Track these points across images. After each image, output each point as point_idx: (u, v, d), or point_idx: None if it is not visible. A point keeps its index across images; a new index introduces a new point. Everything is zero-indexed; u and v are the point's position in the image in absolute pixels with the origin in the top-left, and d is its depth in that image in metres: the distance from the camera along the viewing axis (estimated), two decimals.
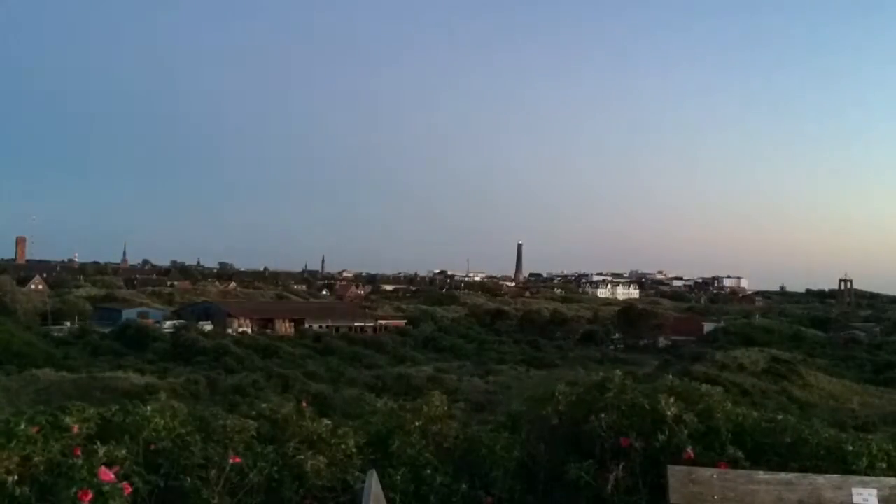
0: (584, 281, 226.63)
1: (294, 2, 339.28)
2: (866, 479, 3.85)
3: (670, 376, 5.17)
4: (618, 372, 4.96)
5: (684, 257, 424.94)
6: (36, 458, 3.44)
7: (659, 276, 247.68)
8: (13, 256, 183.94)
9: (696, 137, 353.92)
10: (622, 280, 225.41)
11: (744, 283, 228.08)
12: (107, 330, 69.99)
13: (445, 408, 5.16)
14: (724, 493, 3.68)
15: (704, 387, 4.93)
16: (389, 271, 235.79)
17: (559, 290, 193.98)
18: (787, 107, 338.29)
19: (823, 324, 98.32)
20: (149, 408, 4.28)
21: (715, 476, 3.75)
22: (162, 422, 4.15)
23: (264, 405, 4.99)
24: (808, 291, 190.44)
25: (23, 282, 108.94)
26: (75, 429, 3.80)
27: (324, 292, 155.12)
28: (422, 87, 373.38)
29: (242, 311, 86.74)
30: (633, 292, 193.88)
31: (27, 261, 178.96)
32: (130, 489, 3.36)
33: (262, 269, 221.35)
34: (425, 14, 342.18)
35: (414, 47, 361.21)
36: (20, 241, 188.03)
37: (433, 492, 4.43)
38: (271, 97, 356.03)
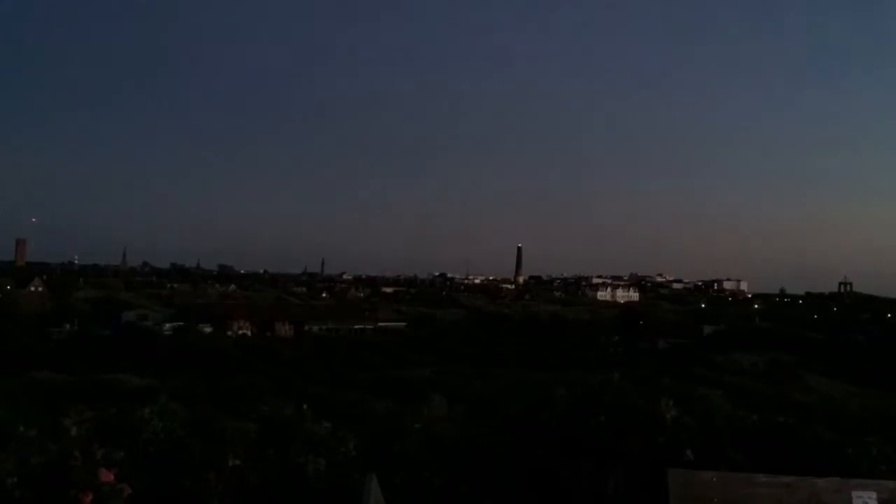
0: (583, 283, 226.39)
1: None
2: (866, 481, 3.84)
3: (669, 379, 5.18)
4: (616, 374, 4.97)
5: (684, 260, 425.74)
6: (34, 460, 3.43)
7: (659, 279, 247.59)
8: (13, 259, 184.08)
9: (696, 138, 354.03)
10: (622, 282, 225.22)
11: (743, 286, 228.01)
12: (106, 332, 69.87)
13: (445, 410, 5.16)
14: (725, 495, 3.67)
15: (704, 389, 4.93)
16: (389, 274, 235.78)
17: (559, 293, 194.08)
18: (786, 107, 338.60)
19: (823, 326, 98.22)
20: (147, 410, 4.28)
21: (715, 478, 3.75)
22: (160, 424, 4.15)
23: (265, 408, 4.98)
24: (808, 294, 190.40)
25: (23, 284, 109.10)
26: (73, 431, 3.78)
27: (323, 295, 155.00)
28: (421, 88, 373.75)
29: (242, 314, 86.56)
30: (633, 295, 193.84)
31: (27, 263, 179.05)
32: (130, 490, 3.35)
33: (261, 271, 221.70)
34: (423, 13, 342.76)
35: (415, 55, 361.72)
36: (20, 244, 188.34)
37: (433, 494, 4.42)
38: (269, 95, 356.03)
